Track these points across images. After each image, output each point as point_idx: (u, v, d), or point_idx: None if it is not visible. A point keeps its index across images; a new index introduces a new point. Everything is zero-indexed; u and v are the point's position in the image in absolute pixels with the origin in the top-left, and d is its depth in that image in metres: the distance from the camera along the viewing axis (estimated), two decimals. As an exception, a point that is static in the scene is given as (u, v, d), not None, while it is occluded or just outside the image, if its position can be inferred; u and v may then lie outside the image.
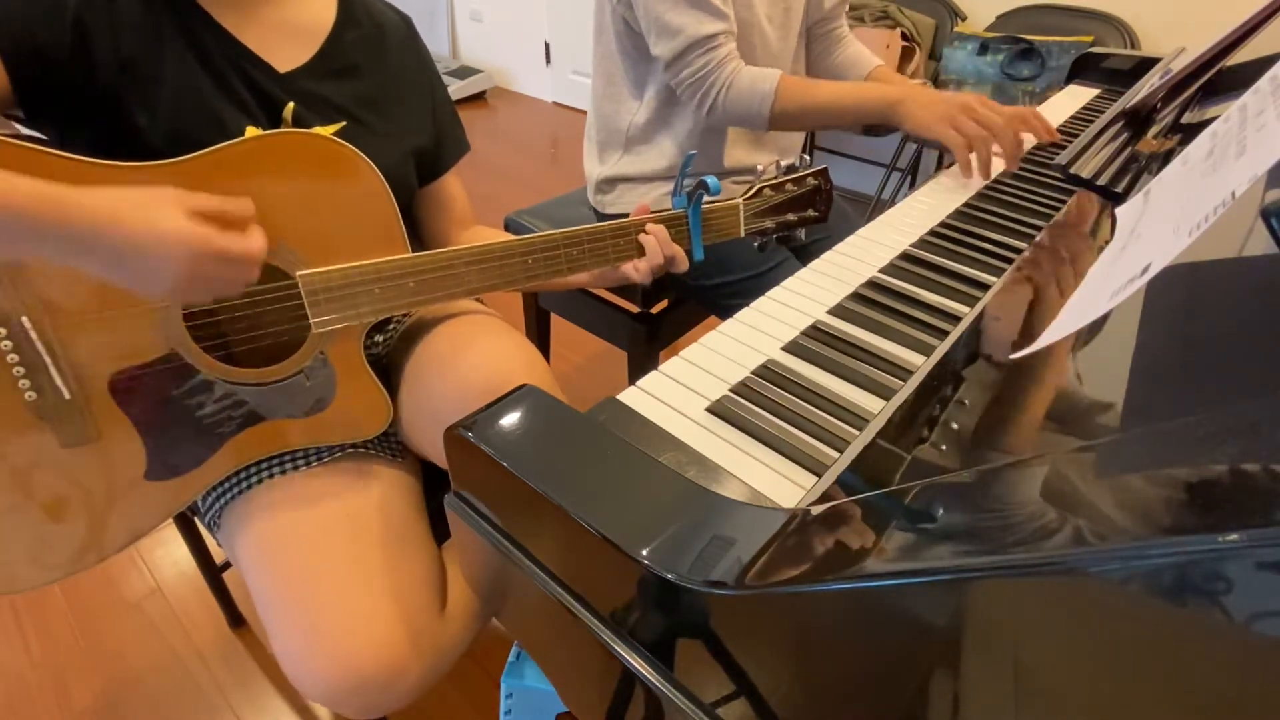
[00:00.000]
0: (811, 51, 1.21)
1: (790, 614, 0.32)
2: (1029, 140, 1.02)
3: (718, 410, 0.53)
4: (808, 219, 0.82)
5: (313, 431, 0.68)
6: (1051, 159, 0.99)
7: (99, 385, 0.58)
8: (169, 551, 1.27)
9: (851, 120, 1.00)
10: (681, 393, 0.55)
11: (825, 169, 0.80)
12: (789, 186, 0.79)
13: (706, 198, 0.75)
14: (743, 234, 0.79)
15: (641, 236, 0.73)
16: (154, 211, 0.50)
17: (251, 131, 0.64)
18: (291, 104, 0.66)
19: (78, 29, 0.57)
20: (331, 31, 0.70)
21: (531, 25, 3.50)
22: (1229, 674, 0.21)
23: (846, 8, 1.20)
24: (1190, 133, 0.68)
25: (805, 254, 1.05)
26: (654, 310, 1.20)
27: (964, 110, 0.92)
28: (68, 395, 0.57)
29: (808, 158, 0.80)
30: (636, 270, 0.75)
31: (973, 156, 0.93)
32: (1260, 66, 0.66)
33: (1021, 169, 0.99)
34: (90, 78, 0.58)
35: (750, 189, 0.78)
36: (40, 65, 0.57)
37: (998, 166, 0.95)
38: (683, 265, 0.76)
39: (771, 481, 0.47)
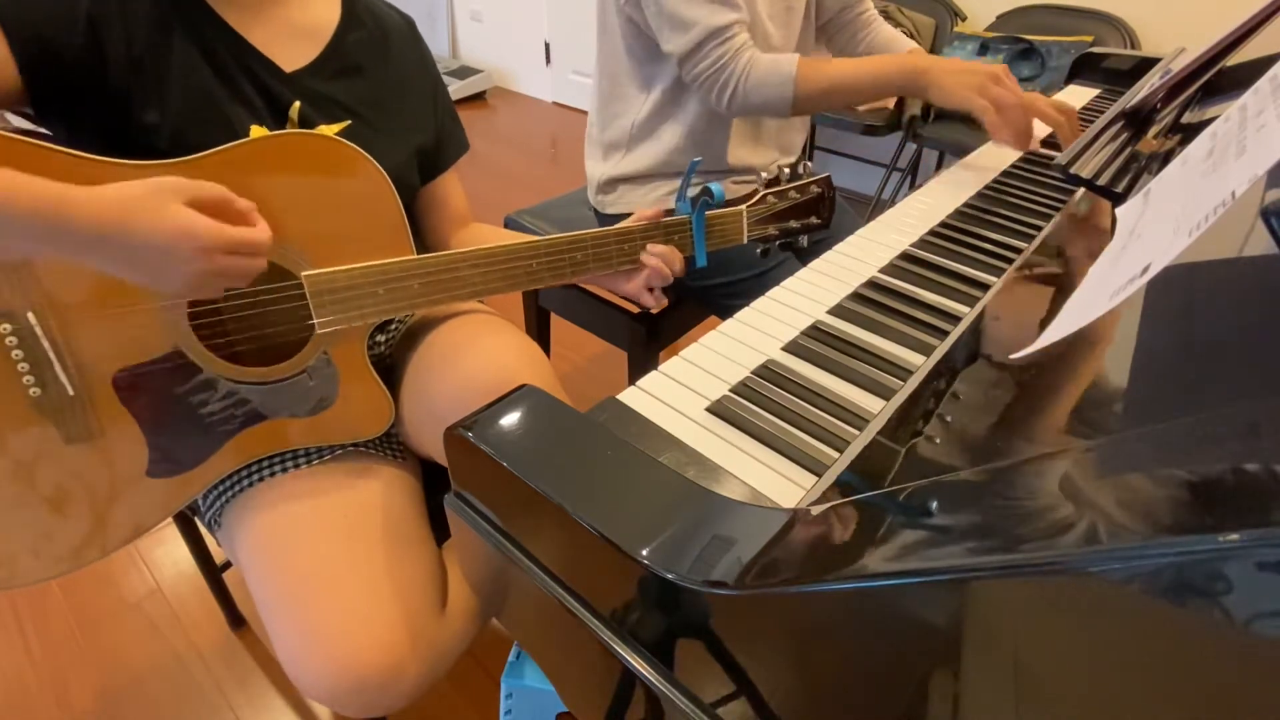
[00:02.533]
0: (837, 41, 1.19)
1: (790, 614, 0.32)
2: (1042, 130, 1.00)
3: (718, 410, 0.53)
4: (810, 225, 0.82)
5: (314, 431, 0.68)
6: (1051, 159, 0.99)
7: (103, 382, 0.58)
8: (169, 551, 1.27)
9: (875, 94, 0.98)
10: (681, 393, 0.55)
11: (828, 176, 0.80)
12: (792, 193, 0.79)
13: (710, 204, 0.75)
14: (745, 240, 0.79)
15: (645, 257, 0.73)
16: (159, 206, 0.51)
17: (257, 131, 0.64)
18: (298, 103, 0.66)
19: (89, 26, 0.57)
20: (336, 31, 0.70)
21: (531, 25, 3.50)
22: (1229, 674, 0.21)
23: None
24: (1190, 133, 0.68)
25: (805, 254, 1.05)
26: (654, 310, 1.20)
27: (991, 78, 0.91)
28: (71, 391, 0.57)
29: (809, 162, 0.80)
30: (647, 294, 0.75)
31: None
32: (1260, 66, 0.66)
33: (1022, 169, 0.99)
34: (100, 75, 0.58)
35: (753, 195, 0.78)
36: (51, 62, 0.57)
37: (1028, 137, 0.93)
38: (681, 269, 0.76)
39: (771, 481, 0.47)
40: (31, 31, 0.56)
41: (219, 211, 0.53)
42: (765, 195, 0.78)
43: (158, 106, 0.60)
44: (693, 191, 0.74)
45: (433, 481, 0.80)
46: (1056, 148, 1.08)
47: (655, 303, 0.77)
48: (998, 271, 0.72)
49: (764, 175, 0.79)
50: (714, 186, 0.73)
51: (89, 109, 0.59)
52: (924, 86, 0.94)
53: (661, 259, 0.74)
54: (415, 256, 0.65)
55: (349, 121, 0.69)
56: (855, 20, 1.17)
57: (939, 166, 2.45)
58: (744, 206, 0.77)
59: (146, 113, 0.60)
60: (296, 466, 0.69)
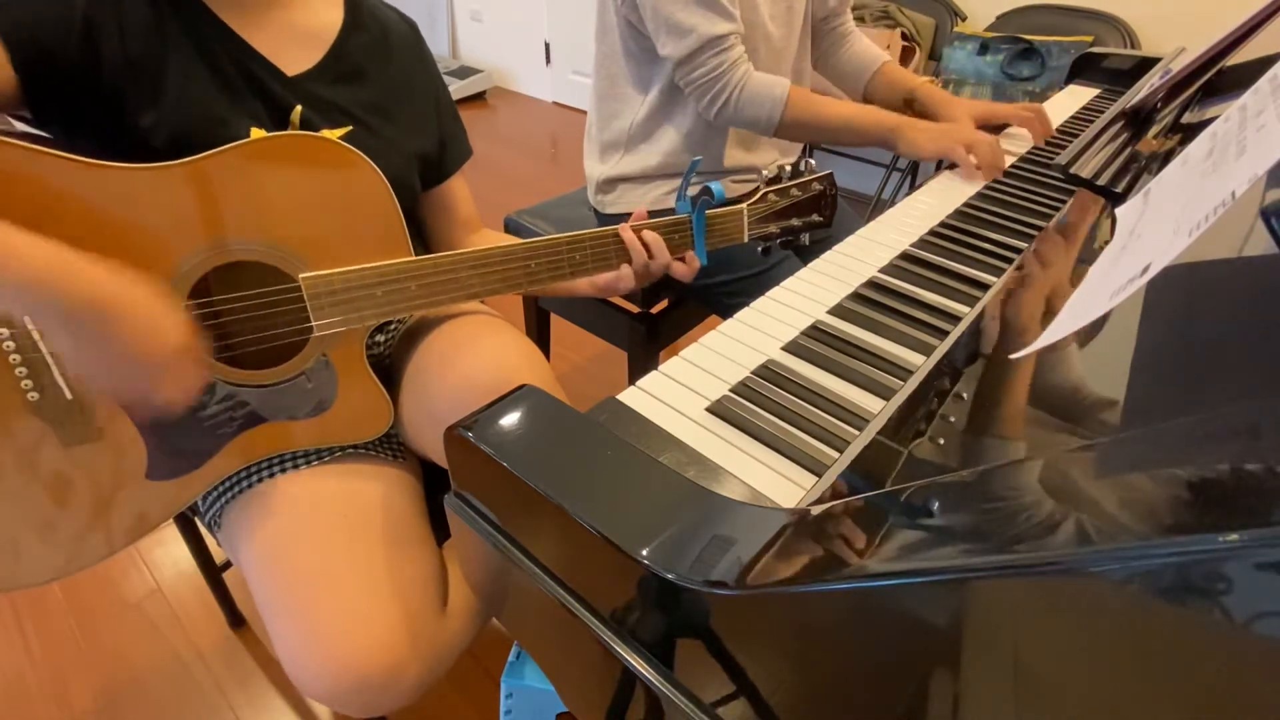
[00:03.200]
0: (818, 48, 1.21)
1: (790, 614, 0.32)
2: (1023, 146, 1.04)
3: (718, 410, 0.53)
4: (812, 224, 0.82)
5: (314, 433, 0.68)
6: (1051, 159, 0.99)
7: None
8: (169, 551, 1.27)
9: (852, 141, 1.04)
10: (681, 393, 0.55)
11: (830, 174, 0.80)
12: (793, 191, 0.79)
13: (710, 203, 0.75)
14: (746, 239, 0.79)
15: (625, 235, 0.73)
16: (154, 309, 0.51)
17: (257, 134, 0.64)
18: (299, 107, 0.66)
19: (86, 29, 0.57)
20: (338, 36, 0.70)
21: (531, 25, 3.50)
22: (1229, 674, 0.21)
23: (851, 4, 1.20)
24: (1190, 133, 0.68)
25: (806, 254, 1.06)
26: (654, 310, 1.21)
27: (965, 146, 0.96)
28: (69, 395, 0.57)
29: (812, 161, 0.80)
30: (620, 276, 0.75)
31: (972, 158, 0.95)
32: (1260, 66, 0.66)
33: (1022, 169, 0.99)
34: (97, 78, 0.58)
35: (754, 193, 0.78)
36: (48, 65, 0.57)
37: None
38: (688, 275, 0.76)
39: (771, 481, 0.47)
40: (28, 36, 0.56)
41: None
42: (766, 193, 0.78)
43: (154, 110, 0.60)
44: (692, 191, 0.74)
45: (433, 481, 0.80)
46: (1058, 148, 1.08)
47: (629, 284, 0.76)
48: (998, 271, 0.72)
49: (765, 173, 0.79)
50: (714, 185, 0.73)
51: (86, 112, 0.59)
52: (896, 142, 1.00)
53: (645, 242, 0.73)
54: (413, 258, 0.65)
55: (350, 127, 0.69)
56: (835, 31, 1.20)
57: (939, 166, 2.45)
58: (744, 205, 0.77)
59: (143, 116, 0.60)
60: (296, 467, 0.69)
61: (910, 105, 1.17)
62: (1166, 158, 0.66)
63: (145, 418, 0.59)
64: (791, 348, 0.60)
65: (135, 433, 0.61)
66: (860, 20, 2.20)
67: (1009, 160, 1.01)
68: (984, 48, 2.09)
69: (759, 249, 0.82)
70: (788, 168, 0.79)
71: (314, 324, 0.62)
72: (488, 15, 3.70)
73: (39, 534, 0.60)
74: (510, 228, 1.30)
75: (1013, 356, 0.48)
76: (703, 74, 0.97)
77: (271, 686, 1.08)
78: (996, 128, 1.11)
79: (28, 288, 0.46)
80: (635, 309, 1.20)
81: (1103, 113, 1.15)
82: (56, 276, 0.47)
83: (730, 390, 0.55)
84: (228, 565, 1.10)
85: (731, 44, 0.97)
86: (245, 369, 0.63)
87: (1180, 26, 1.94)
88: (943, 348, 0.60)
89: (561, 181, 2.77)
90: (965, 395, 0.48)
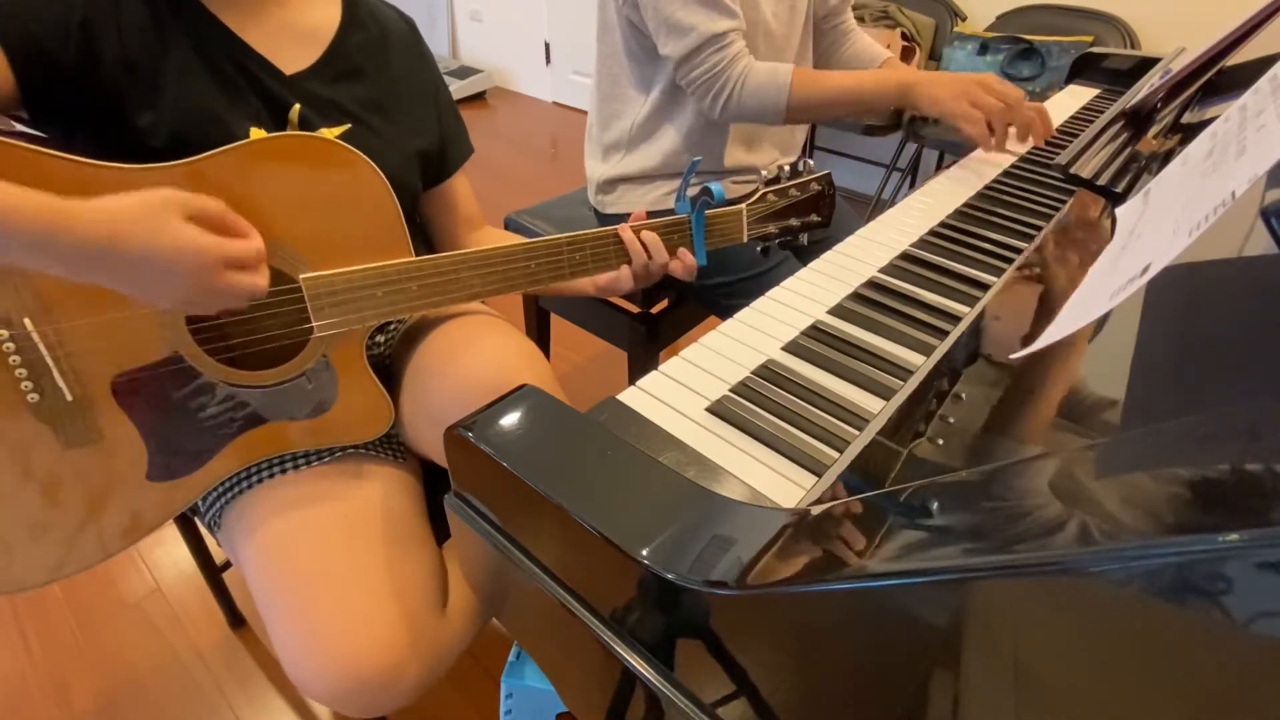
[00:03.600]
0: (819, 47, 1.21)
1: (790, 614, 0.32)
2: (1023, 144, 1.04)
3: (718, 410, 0.53)
4: (810, 224, 0.82)
5: (314, 433, 0.68)
6: (1051, 159, 0.99)
7: (101, 387, 0.58)
8: (169, 551, 1.27)
9: (865, 108, 1.01)
10: (681, 393, 0.55)
11: (829, 174, 0.80)
12: (792, 191, 0.79)
13: (709, 204, 0.75)
14: (745, 239, 0.79)
15: (624, 235, 0.73)
16: (156, 220, 0.50)
17: (256, 133, 0.64)
18: (298, 106, 0.66)
19: (84, 30, 0.57)
20: (336, 34, 0.70)
21: (531, 25, 3.50)
22: (1229, 674, 0.21)
23: (851, 2, 1.20)
24: (1190, 133, 0.68)
25: (805, 254, 1.06)
26: (654, 310, 1.21)
27: (980, 85, 0.94)
28: (70, 397, 0.57)
29: (811, 161, 0.80)
30: (620, 277, 0.75)
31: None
32: (1260, 66, 0.66)
33: (1021, 169, 0.99)
34: (95, 79, 0.58)
35: (753, 193, 0.78)
36: (46, 66, 0.57)
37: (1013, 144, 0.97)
38: (688, 275, 0.76)
39: (771, 481, 0.47)
40: (26, 37, 0.56)
41: (216, 226, 0.53)
42: (765, 193, 0.78)
43: (153, 110, 0.60)
44: (692, 191, 0.74)
45: (433, 481, 0.80)
46: (1058, 148, 1.08)
47: (628, 284, 0.76)
48: (998, 271, 0.71)
49: (764, 174, 0.79)
50: (714, 186, 0.73)
51: (85, 113, 0.59)
52: (915, 98, 0.97)
53: (645, 242, 0.73)
54: (414, 259, 0.65)
55: (349, 125, 0.69)
56: (837, 29, 1.20)
57: (939, 166, 2.45)
58: (744, 205, 0.77)
59: (141, 116, 0.60)
60: (296, 468, 0.69)
61: None
62: (1166, 158, 0.66)
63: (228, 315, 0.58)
64: (791, 348, 0.60)
65: (135, 434, 0.61)
66: (860, 20, 2.20)
67: (1008, 160, 1.01)
68: (984, 48, 2.09)
69: (758, 249, 0.82)
70: (786, 168, 0.79)
71: (314, 324, 0.62)
72: (488, 15, 3.70)
73: (38, 535, 0.60)
74: (510, 228, 1.30)
75: (1013, 357, 0.48)
76: (703, 72, 0.97)
77: (271, 686, 1.08)
78: None
79: (29, 247, 0.47)
80: (635, 309, 1.20)
81: (1103, 113, 1.15)
82: (48, 227, 0.47)
83: (730, 390, 0.55)
84: (228, 565, 1.10)
85: (731, 40, 0.96)
86: (246, 370, 0.63)
87: (1180, 26, 1.94)
88: (943, 348, 0.60)
89: (561, 181, 2.77)
90: (965, 396, 0.48)
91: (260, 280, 0.55)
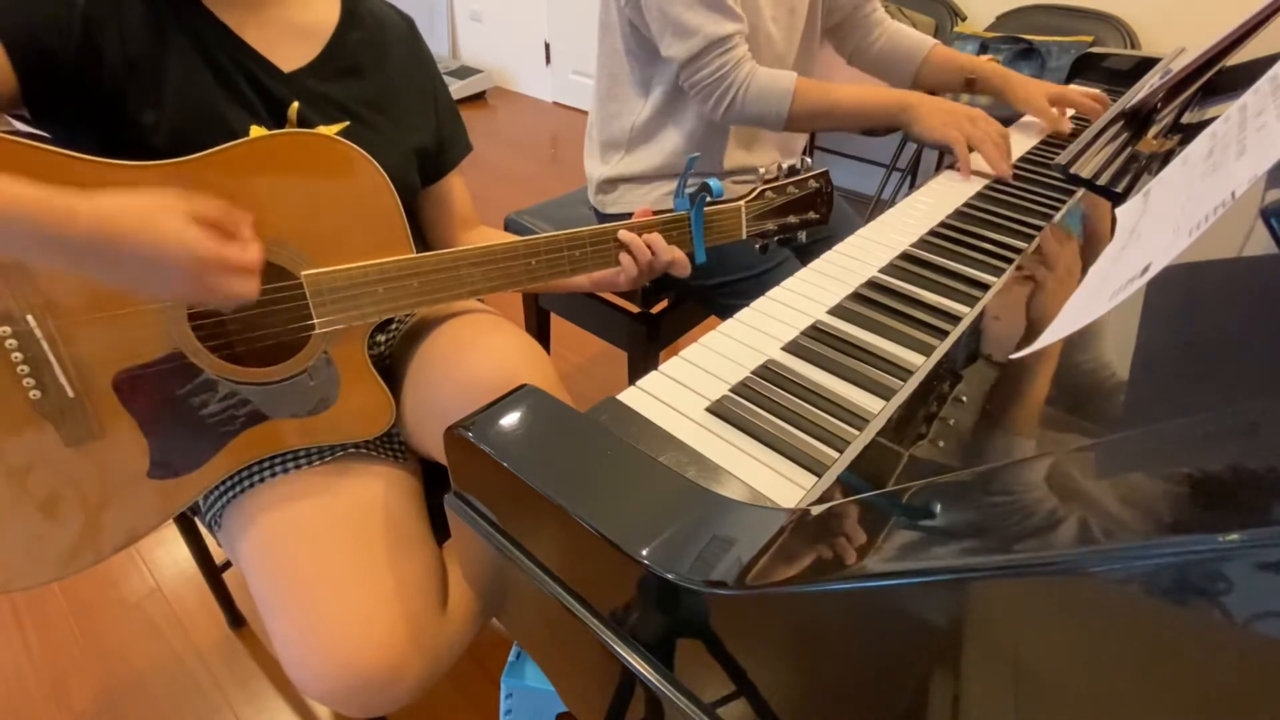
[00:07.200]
0: (850, 42, 1.21)
1: (790, 614, 0.32)
2: (1030, 142, 1.03)
3: (718, 410, 0.53)
4: (809, 221, 0.82)
5: (315, 431, 0.68)
6: (1051, 159, 0.99)
7: (103, 384, 0.58)
8: (169, 551, 1.27)
9: (863, 123, 1.02)
10: (681, 393, 0.55)
11: (826, 171, 0.80)
12: (790, 189, 0.79)
13: (708, 199, 0.75)
14: (744, 236, 0.79)
15: (624, 234, 0.72)
16: (158, 221, 0.51)
17: (256, 131, 0.64)
18: (296, 103, 0.66)
19: (85, 29, 0.57)
20: (335, 31, 0.70)
21: (531, 25, 3.50)
22: (1229, 674, 0.21)
23: None
24: (1190, 133, 0.68)
25: (805, 254, 1.05)
26: (654, 310, 1.21)
27: (969, 120, 0.96)
28: (71, 393, 0.57)
29: (809, 159, 0.80)
30: (622, 274, 0.74)
31: (973, 156, 0.95)
32: (1260, 66, 0.66)
33: (1021, 169, 0.99)
34: (96, 77, 0.58)
35: (752, 191, 0.78)
36: (47, 65, 0.57)
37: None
38: (684, 270, 0.76)
39: (771, 481, 0.47)
40: (27, 36, 0.56)
41: (218, 228, 0.53)
42: (764, 191, 0.78)
43: (154, 108, 0.60)
44: (691, 188, 0.74)
45: (433, 481, 0.80)
46: (1057, 147, 1.08)
47: (629, 282, 0.75)
48: (998, 271, 0.72)
49: (763, 173, 0.79)
50: (713, 182, 0.73)
51: (86, 112, 0.59)
52: (908, 120, 0.99)
53: (649, 243, 0.73)
54: (415, 255, 0.65)
55: (347, 122, 0.69)
56: (867, 20, 1.19)
57: (939, 166, 2.45)
58: (742, 201, 0.77)
59: (143, 114, 0.60)
60: (297, 467, 0.69)
61: (972, 86, 1.15)
62: (1166, 158, 0.66)
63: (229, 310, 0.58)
64: (791, 348, 0.60)
65: (137, 431, 0.61)
66: (860, 20, 2.20)
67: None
68: (984, 48, 2.09)
69: (757, 246, 0.82)
70: (785, 167, 0.79)
71: (316, 321, 0.62)
72: (488, 15, 3.70)
73: (39, 534, 0.60)
74: (510, 227, 1.30)
75: (1013, 357, 0.48)
76: (707, 75, 0.97)
77: (271, 686, 1.08)
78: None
79: (32, 240, 0.48)
80: (635, 309, 1.20)
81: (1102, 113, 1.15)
82: (51, 221, 0.48)
83: (730, 390, 0.55)
84: (228, 565, 1.10)
85: (736, 44, 0.96)
86: (248, 367, 0.63)
87: (1180, 26, 1.94)
88: (943, 348, 0.60)
89: (561, 181, 2.77)
90: (965, 396, 0.48)
91: (251, 285, 0.55)
